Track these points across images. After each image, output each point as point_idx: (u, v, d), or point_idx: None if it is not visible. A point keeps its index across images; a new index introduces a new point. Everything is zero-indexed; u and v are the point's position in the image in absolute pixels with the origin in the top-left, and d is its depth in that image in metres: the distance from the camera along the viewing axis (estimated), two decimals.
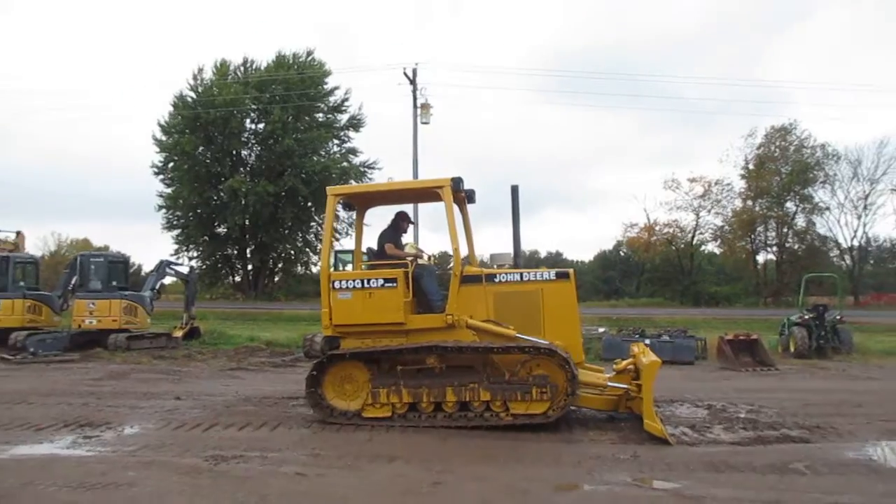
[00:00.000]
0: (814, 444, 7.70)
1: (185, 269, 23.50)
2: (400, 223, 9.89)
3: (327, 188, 9.66)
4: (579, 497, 5.91)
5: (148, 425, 8.73)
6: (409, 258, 9.34)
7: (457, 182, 8.98)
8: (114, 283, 19.64)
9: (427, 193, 9.52)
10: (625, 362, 9.17)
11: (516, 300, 8.96)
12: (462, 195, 9.52)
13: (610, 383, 9.01)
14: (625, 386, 8.84)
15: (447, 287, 8.99)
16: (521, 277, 9.08)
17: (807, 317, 18.46)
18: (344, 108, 48.10)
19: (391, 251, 9.45)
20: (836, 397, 11.13)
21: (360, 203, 10.26)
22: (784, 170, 46.49)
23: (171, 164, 46.03)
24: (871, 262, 54.41)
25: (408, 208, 10.42)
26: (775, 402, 10.53)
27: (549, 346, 8.36)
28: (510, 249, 9.74)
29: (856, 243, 47.75)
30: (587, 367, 9.46)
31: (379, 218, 10.26)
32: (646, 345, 11.15)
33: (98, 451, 7.35)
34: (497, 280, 9.07)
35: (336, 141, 48.37)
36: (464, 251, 9.37)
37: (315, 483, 6.18)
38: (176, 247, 46.82)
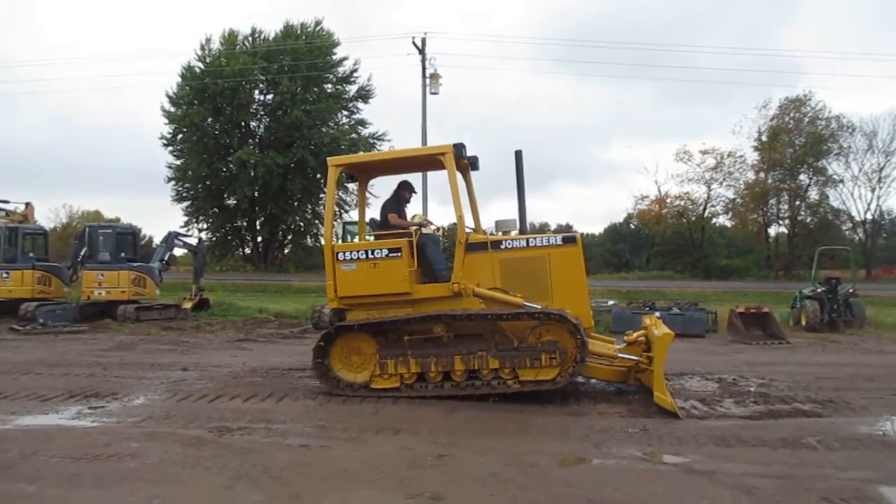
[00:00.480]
0: (826, 419, 7.58)
1: (193, 241, 23.51)
2: (401, 193, 9.74)
3: (328, 159, 9.48)
4: (587, 471, 5.83)
5: (154, 396, 8.71)
6: (414, 227, 9.21)
7: (459, 148, 8.81)
8: (123, 254, 19.66)
9: (429, 161, 9.35)
10: (636, 334, 9.05)
11: (523, 267, 8.81)
12: (465, 162, 9.35)
13: (620, 354, 8.91)
14: (635, 358, 8.73)
15: (453, 256, 8.87)
16: (528, 244, 8.92)
17: (819, 290, 18.27)
18: (353, 79, 47.68)
19: (394, 221, 9.32)
20: (849, 371, 11.00)
21: (361, 173, 10.09)
22: (798, 142, 45.80)
23: (179, 136, 45.81)
24: (884, 235, 53.85)
25: (415, 179, 10.25)
26: (787, 375, 10.41)
27: (559, 312, 8.24)
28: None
29: (869, 216, 47.27)
30: (597, 337, 9.35)
31: (387, 189, 10.11)
32: (657, 317, 11.02)
33: (102, 421, 7.33)
34: (503, 247, 8.93)
35: (345, 112, 47.97)
36: (469, 219, 9.20)
37: (319, 455, 6.12)
38: (186, 219, 46.91)
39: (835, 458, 6.11)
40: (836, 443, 6.55)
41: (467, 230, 8.90)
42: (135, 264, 19.67)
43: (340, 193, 40.94)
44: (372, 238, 9.45)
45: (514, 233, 9.22)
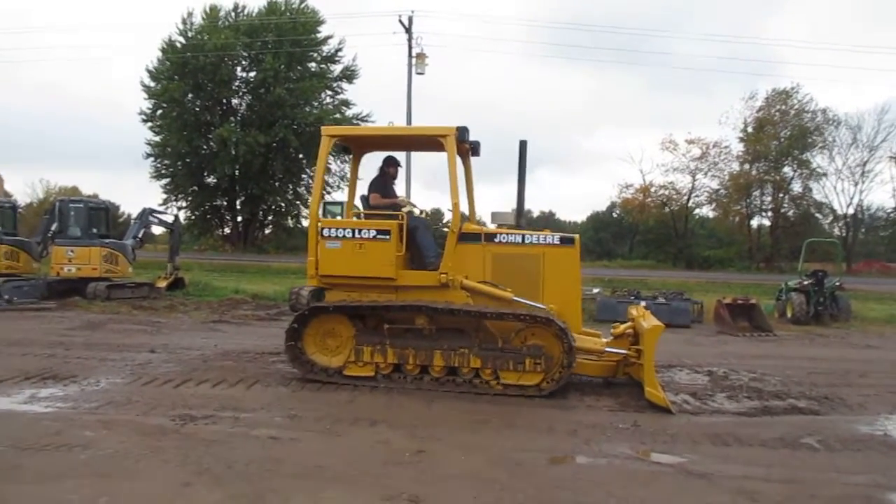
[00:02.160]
0: (824, 417, 7.27)
1: (169, 218, 22.76)
2: (386, 169, 9.27)
3: (322, 127, 9.00)
4: (577, 471, 5.43)
5: (115, 380, 8.18)
6: (404, 208, 8.75)
7: (462, 132, 8.35)
8: (94, 230, 18.94)
9: (429, 141, 8.84)
10: (623, 326, 8.70)
11: (516, 263, 8.42)
12: (466, 146, 8.91)
13: (608, 349, 8.52)
14: (623, 351, 8.36)
15: (443, 244, 8.43)
16: (524, 240, 8.51)
17: (805, 282, 18.02)
18: (337, 58, 46.86)
19: (375, 201, 8.86)
20: (840, 366, 10.72)
21: (356, 146, 9.58)
22: (783, 134, 45.74)
23: (159, 112, 44.85)
24: (863, 230, 54.05)
25: (399, 159, 9.77)
26: (777, 369, 10.10)
27: (547, 315, 7.82)
28: (503, 208, 9.20)
29: (851, 210, 47.39)
30: (583, 332, 8.96)
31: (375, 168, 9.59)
32: (644, 308, 10.66)
33: (57, 407, 6.81)
34: (497, 240, 8.50)
35: (329, 92, 47.23)
36: (464, 207, 8.77)
37: (288, 449, 5.67)
38: (164, 196, 46.02)
39: (838, 460, 5.77)
40: (838, 443, 6.23)
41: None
42: (107, 241, 18.99)
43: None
44: (362, 217, 8.97)
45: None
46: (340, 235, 8.29)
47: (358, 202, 9.38)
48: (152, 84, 44.20)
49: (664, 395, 7.36)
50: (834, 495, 4.88)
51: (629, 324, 8.70)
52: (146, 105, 44.95)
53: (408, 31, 34.66)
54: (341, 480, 4.96)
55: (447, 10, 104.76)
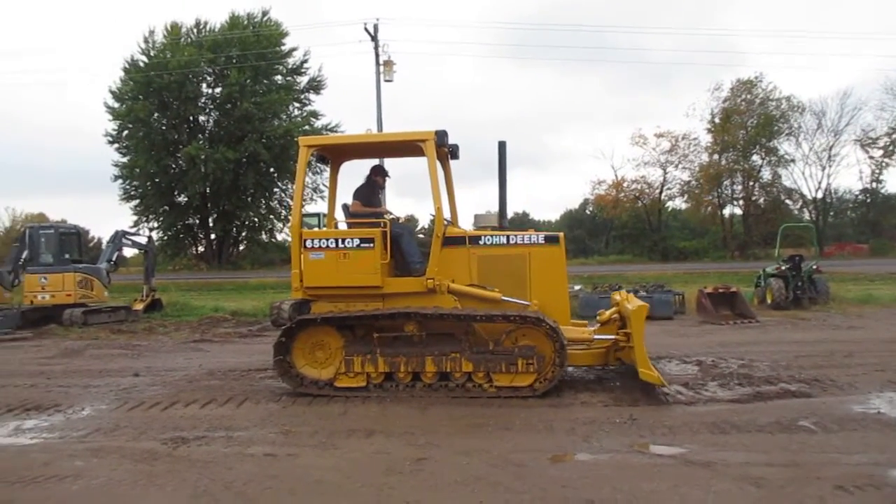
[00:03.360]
0: (816, 399, 7.32)
1: (143, 240, 22.45)
2: (374, 178, 9.20)
3: (299, 138, 8.89)
4: (581, 469, 5.37)
5: (101, 406, 7.99)
6: (388, 216, 8.69)
7: (441, 136, 8.31)
8: (66, 255, 18.59)
9: (408, 147, 8.78)
10: (609, 312, 8.74)
11: (502, 264, 8.38)
12: (445, 150, 8.87)
13: (596, 336, 8.52)
14: (612, 337, 8.36)
15: (426, 250, 8.37)
16: (508, 240, 8.48)
17: (783, 268, 18.22)
18: (304, 69, 46.81)
19: (356, 209, 8.79)
20: (825, 348, 10.83)
21: (334, 156, 9.48)
22: (750, 123, 46.39)
23: (125, 133, 44.32)
24: (832, 213, 54.93)
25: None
26: (764, 355, 10.19)
27: (537, 315, 7.79)
28: (479, 210, 9.20)
29: (819, 195, 48.14)
30: (570, 323, 8.94)
31: (357, 177, 9.51)
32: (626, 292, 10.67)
33: (43, 438, 6.62)
34: (482, 242, 8.47)
35: (297, 104, 47.12)
36: (446, 212, 8.71)
37: (286, 465, 5.56)
38: (135, 218, 45.46)
39: (836, 440, 5.80)
40: (834, 424, 6.26)
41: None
42: (80, 266, 18.64)
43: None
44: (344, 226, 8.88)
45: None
46: (324, 246, 8.20)
47: (339, 212, 9.30)
48: (116, 105, 43.62)
49: (658, 373, 7.38)
50: (837, 475, 4.87)
51: (614, 309, 8.73)
52: (111, 126, 44.42)
53: (374, 38, 34.59)
54: (343, 494, 4.87)
55: (412, 17, 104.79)
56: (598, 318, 8.90)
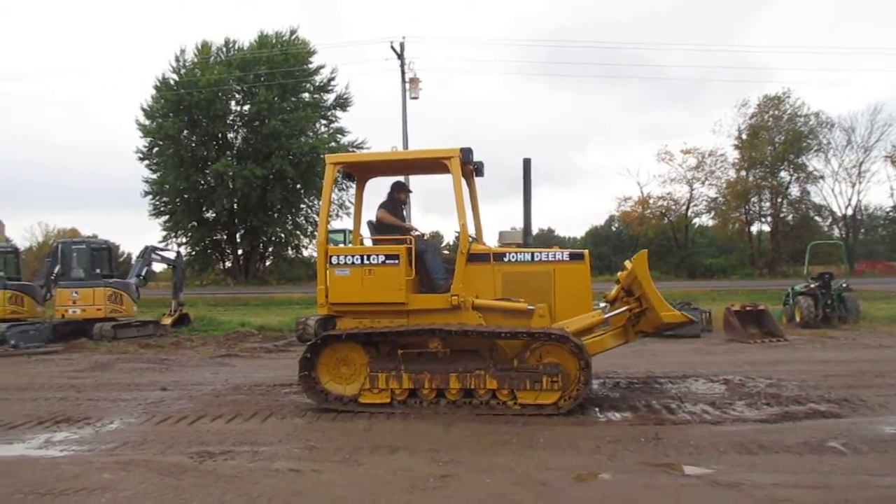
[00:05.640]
0: (846, 419, 7.19)
1: (171, 255, 22.78)
2: (396, 194, 9.28)
3: (326, 156, 9.04)
4: (606, 488, 5.33)
5: (130, 420, 8.11)
6: (414, 232, 8.75)
7: (466, 153, 8.36)
8: (98, 270, 18.90)
9: (433, 164, 8.85)
10: (615, 289, 8.68)
11: (526, 280, 8.37)
12: (470, 168, 8.93)
13: (608, 314, 8.46)
14: (623, 309, 8.31)
15: (451, 266, 8.41)
16: (533, 257, 8.49)
17: (813, 286, 17.99)
18: (330, 87, 47.26)
19: (386, 218, 8.88)
20: (855, 367, 10.66)
21: (360, 173, 9.58)
22: (778, 139, 45.99)
23: (155, 149, 45.07)
24: (862, 230, 54.14)
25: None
26: (793, 374, 10.05)
27: (561, 332, 7.77)
28: (503, 227, 9.19)
29: (849, 212, 47.47)
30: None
31: (382, 194, 9.59)
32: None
33: (73, 450, 6.73)
34: (506, 259, 8.49)
35: (323, 121, 47.53)
36: (470, 228, 8.75)
37: (310, 480, 5.60)
38: (164, 234, 46.09)
39: (866, 462, 5.70)
40: (864, 445, 6.15)
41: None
42: (110, 280, 18.96)
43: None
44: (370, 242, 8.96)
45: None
46: (349, 262, 8.26)
47: (364, 229, 9.37)
48: (147, 122, 44.42)
49: (678, 311, 7.35)
50: (867, 497, 4.81)
51: (617, 287, 8.66)
52: (142, 143, 45.20)
53: (400, 56, 34.91)
54: None
55: (437, 35, 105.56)
56: (605, 298, 8.87)
